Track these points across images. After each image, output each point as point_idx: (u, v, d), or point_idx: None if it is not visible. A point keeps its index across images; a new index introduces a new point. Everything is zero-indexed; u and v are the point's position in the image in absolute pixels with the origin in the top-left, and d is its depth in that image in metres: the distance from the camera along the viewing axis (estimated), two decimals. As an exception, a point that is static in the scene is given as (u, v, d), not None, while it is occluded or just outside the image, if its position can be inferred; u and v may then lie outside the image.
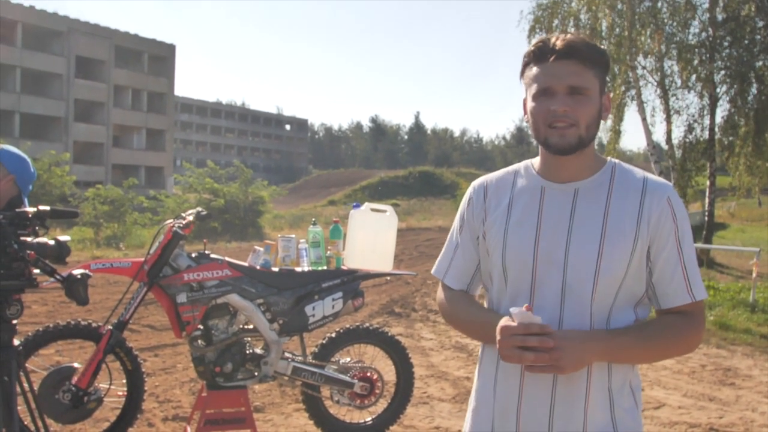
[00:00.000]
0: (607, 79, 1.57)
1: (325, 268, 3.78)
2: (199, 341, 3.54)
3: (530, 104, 1.51)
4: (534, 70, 1.50)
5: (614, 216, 1.48)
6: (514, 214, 1.56)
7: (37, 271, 2.26)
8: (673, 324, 1.49)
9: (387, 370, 4.06)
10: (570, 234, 1.48)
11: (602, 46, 1.58)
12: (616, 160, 1.58)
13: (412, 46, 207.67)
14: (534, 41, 1.53)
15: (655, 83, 16.89)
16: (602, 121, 1.55)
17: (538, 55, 1.49)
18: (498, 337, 1.42)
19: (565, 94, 1.45)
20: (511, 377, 1.52)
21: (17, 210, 2.29)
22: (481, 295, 1.71)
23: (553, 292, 1.49)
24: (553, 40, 1.48)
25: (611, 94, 1.56)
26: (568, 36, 1.48)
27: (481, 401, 1.61)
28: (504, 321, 1.43)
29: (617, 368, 1.49)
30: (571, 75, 1.45)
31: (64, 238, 2.36)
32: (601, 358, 1.46)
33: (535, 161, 1.60)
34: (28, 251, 2.18)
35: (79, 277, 2.27)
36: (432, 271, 1.75)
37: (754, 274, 9.53)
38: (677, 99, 16.91)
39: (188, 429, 3.66)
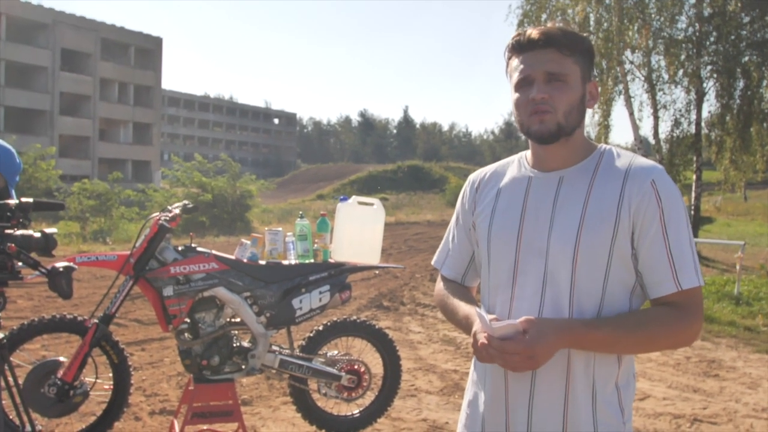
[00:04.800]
0: (595, 72, 1.58)
1: (312, 261, 3.77)
2: (186, 334, 3.52)
3: (513, 96, 1.52)
4: (514, 62, 1.52)
5: (594, 202, 1.46)
6: (501, 204, 1.58)
7: (21, 264, 2.24)
8: (659, 315, 1.42)
9: (375, 363, 4.06)
10: (552, 222, 1.48)
11: (585, 35, 1.56)
12: (608, 146, 1.56)
13: (400, 39, 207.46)
14: (513, 35, 1.54)
15: (643, 78, 17.02)
16: (588, 109, 1.55)
17: (517, 47, 1.51)
18: (472, 340, 1.44)
19: (543, 82, 1.46)
20: (498, 369, 1.53)
21: (-1, 202, 2.26)
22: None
23: (534, 280, 1.48)
24: (529, 31, 1.49)
25: (598, 83, 1.57)
26: (546, 26, 1.49)
27: (475, 394, 1.64)
28: (476, 326, 1.45)
29: (600, 364, 1.47)
30: (548, 62, 1.46)
31: (50, 230, 2.33)
32: (574, 347, 1.43)
33: (529, 153, 1.62)
34: (10, 244, 2.15)
35: (62, 270, 2.25)
36: (432, 262, 1.82)
37: (738, 268, 9.62)
38: (664, 94, 17.08)
39: (175, 423, 3.64)
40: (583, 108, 1.51)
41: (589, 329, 1.40)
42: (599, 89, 1.57)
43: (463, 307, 1.61)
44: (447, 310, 1.69)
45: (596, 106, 17.25)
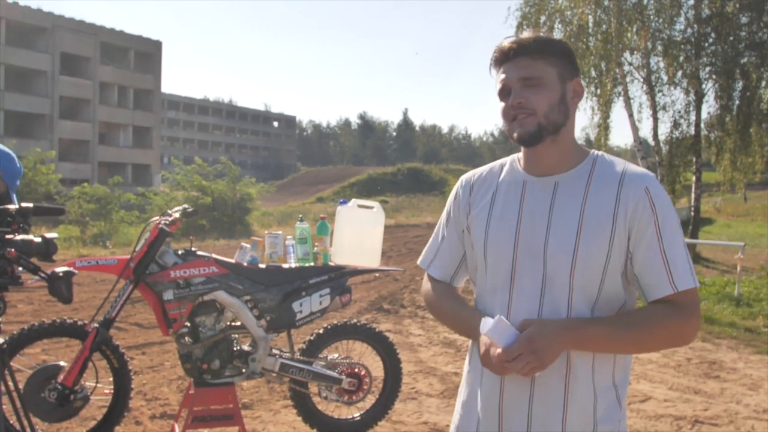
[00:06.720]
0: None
1: (312, 264, 3.77)
2: (186, 338, 3.53)
3: (499, 106, 1.57)
4: (495, 74, 1.57)
5: (591, 208, 1.49)
6: (497, 207, 1.59)
7: (21, 269, 2.24)
8: (657, 314, 1.46)
9: (375, 366, 4.06)
10: (549, 226, 1.50)
11: (560, 39, 1.60)
12: (600, 152, 1.59)
13: (400, 42, 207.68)
14: (493, 50, 1.58)
15: (642, 79, 16.99)
16: (581, 109, 1.58)
17: (498, 61, 1.56)
18: (482, 350, 1.49)
19: (519, 88, 1.51)
20: (494, 374, 1.54)
21: (-2, 207, 2.26)
22: (466, 290, 1.75)
23: (532, 283, 1.51)
24: (503, 43, 1.54)
25: (581, 79, 1.58)
26: (519, 37, 1.54)
27: (469, 394, 1.64)
28: (485, 338, 1.48)
29: (600, 364, 1.49)
30: (521, 69, 1.51)
31: (51, 235, 2.33)
32: (574, 348, 1.46)
33: (521, 156, 1.63)
34: (10, 249, 2.15)
35: (62, 274, 2.25)
36: (418, 262, 1.81)
37: (738, 269, 9.62)
38: (663, 95, 17.04)
39: (176, 427, 3.64)
40: (565, 107, 1.53)
41: (589, 326, 1.44)
42: (584, 86, 1.63)
43: (459, 312, 1.63)
44: (441, 313, 1.70)
45: (596, 108, 17.27)
